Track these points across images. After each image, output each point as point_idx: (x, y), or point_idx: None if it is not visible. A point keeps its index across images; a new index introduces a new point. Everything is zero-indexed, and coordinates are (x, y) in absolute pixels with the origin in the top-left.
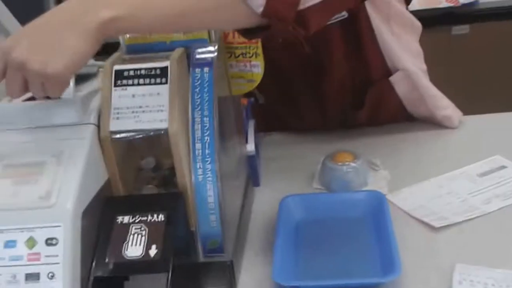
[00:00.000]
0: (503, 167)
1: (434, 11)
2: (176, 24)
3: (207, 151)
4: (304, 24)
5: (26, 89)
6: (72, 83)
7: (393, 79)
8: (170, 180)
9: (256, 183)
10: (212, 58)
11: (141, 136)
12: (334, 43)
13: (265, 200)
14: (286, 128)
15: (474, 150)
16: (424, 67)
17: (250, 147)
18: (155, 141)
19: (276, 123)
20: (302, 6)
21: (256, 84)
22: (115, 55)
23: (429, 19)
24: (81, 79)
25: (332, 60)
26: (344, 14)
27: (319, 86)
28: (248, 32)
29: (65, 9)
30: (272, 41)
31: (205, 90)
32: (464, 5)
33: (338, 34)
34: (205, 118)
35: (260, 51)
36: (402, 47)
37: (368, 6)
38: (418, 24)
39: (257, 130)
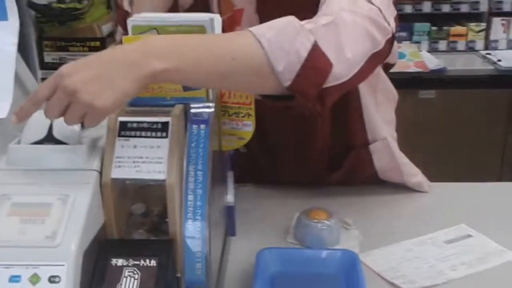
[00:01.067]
0: (469, 236)
1: (403, 75)
2: (216, 83)
3: (198, 203)
4: (322, 101)
5: (63, 114)
6: (78, 129)
7: (372, 148)
8: (158, 227)
9: (232, 233)
10: (208, 116)
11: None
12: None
13: (240, 250)
14: (262, 179)
15: (441, 217)
16: (395, 134)
17: (230, 197)
18: (146, 188)
19: (253, 173)
20: (326, 85)
21: (245, 141)
22: None
23: (398, 82)
24: (82, 125)
25: (317, 127)
26: None
27: (300, 147)
28: (271, 98)
29: (123, 52)
30: (289, 110)
31: (201, 145)
32: (432, 71)
33: None
34: (198, 172)
35: (252, 112)
36: (382, 117)
37: None
38: (396, 94)
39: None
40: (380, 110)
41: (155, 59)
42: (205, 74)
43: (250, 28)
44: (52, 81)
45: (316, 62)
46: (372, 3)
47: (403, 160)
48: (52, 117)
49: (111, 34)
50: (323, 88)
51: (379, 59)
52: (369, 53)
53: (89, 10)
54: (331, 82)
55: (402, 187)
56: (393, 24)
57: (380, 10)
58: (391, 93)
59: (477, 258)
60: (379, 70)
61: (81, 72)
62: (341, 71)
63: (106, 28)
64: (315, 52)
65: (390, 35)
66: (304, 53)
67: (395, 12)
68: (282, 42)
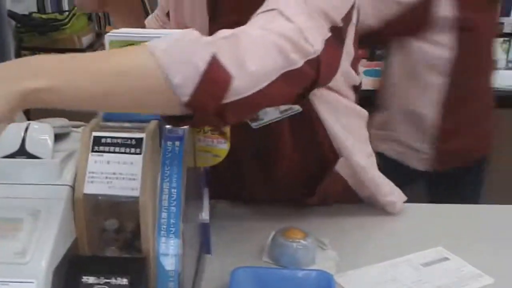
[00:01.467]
0: (446, 259)
1: None
2: (100, 104)
3: (172, 221)
4: (223, 117)
5: None
6: (51, 143)
7: (338, 167)
8: (131, 243)
9: (207, 251)
10: (183, 132)
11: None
12: (282, 136)
13: (215, 268)
14: (237, 196)
15: (418, 239)
16: (370, 150)
17: (205, 215)
18: (120, 204)
19: (228, 190)
20: (226, 100)
21: (221, 159)
22: (93, 121)
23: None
24: (55, 138)
25: (280, 151)
26: (298, 108)
27: (268, 172)
28: (172, 119)
29: None
30: (195, 128)
31: (175, 162)
32: None
33: (287, 127)
34: (173, 189)
35: (227, 129)
36: (351, 136)
37: (316, 100)
38: (364, 112)
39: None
40: (348, 129)
41: (28, 77)
42: (84, 93)
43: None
44: None
45: (215, 74)
46: (292, 22)
47: (376, 181)
48: None
49: (91, 46)
50: (224, 104)
51: (296, 79)
52: (280, 70)
53: (70, 21)
54: (232, 96)
55: (380, 208)
56: (319, 46)
57: (302, 30)
58: (358, 114)
59: (454, 282)
60: (337, 97)
61: None
62: (243, 84)
63: (86, 40)
64: (214, 64)
65: (312, 56)
66: (202, 65)
67: (327, 35)
68: (179, 53)
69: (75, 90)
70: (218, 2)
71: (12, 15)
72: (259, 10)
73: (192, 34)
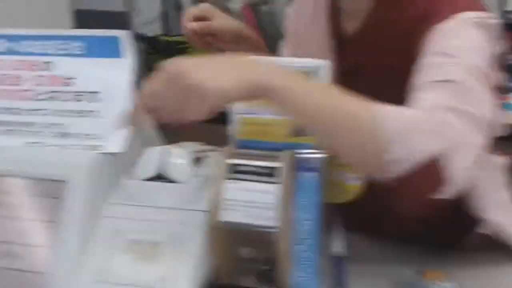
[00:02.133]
0: None
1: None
2: (314, 123)
3: (308, 254)
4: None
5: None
6: (188, 168)
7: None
8: (267, 274)
9: (341, 286)
10: (320, 164)
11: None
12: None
13: None
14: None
15: None
16: (505, 196)
17: (340, 247)
18: (254, 233)
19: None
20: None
21: (350, 197)
22: (228, 147)
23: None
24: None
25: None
26: None
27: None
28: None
29: (236, 58)
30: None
31: (312, 194)
32: None
33: None
34: (310, 221)
35: None
36: (484, 189)
37: None
38: (499, 160)
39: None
40: (482, 184)
41: (265, 74)
42: (311, 108)
43: (381, 107)
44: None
45: (434, 171)
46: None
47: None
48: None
49: None
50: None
51: None
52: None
53: None
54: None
55: None
56: None
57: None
58: (494, 164)
59: None
60: None
61: (191, 61)
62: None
63: None
64: (438, 162)
65: None
66: (424, 158)
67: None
68: (407, 139)
69: (304, 103)
70: (342, 42)
71: (140, 37)
72: (427, 78)
73: (432, 119)
